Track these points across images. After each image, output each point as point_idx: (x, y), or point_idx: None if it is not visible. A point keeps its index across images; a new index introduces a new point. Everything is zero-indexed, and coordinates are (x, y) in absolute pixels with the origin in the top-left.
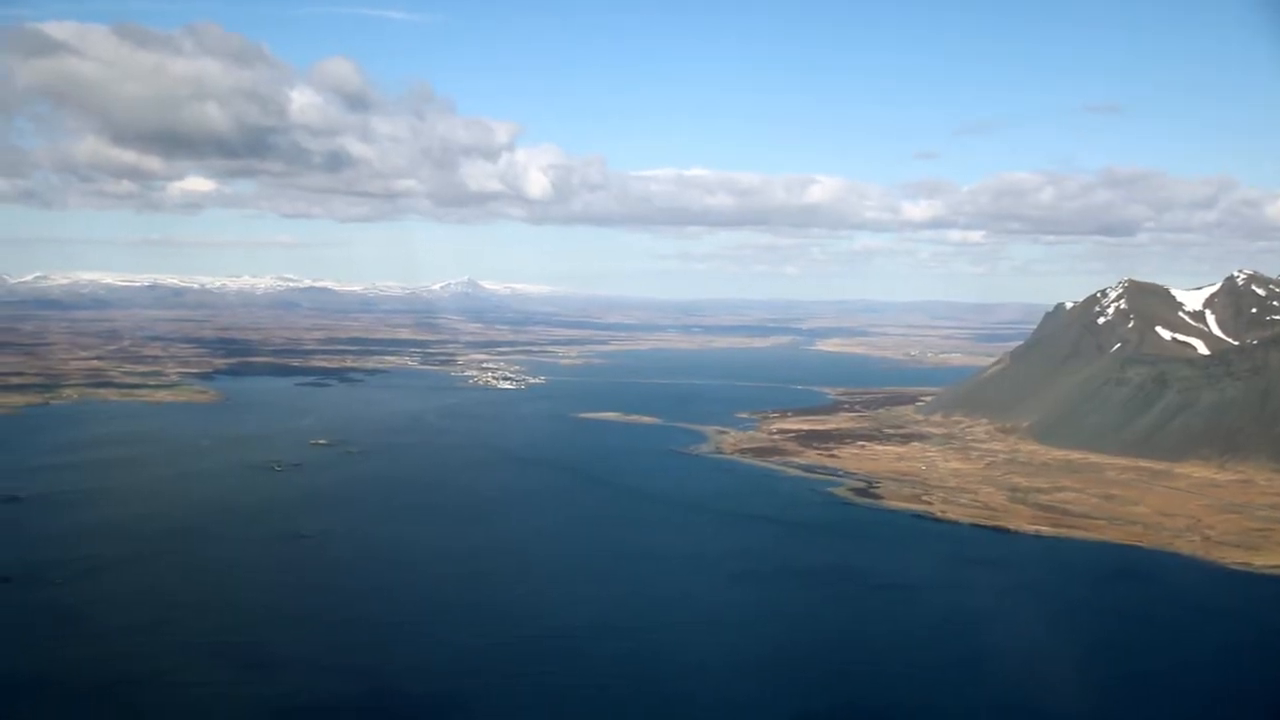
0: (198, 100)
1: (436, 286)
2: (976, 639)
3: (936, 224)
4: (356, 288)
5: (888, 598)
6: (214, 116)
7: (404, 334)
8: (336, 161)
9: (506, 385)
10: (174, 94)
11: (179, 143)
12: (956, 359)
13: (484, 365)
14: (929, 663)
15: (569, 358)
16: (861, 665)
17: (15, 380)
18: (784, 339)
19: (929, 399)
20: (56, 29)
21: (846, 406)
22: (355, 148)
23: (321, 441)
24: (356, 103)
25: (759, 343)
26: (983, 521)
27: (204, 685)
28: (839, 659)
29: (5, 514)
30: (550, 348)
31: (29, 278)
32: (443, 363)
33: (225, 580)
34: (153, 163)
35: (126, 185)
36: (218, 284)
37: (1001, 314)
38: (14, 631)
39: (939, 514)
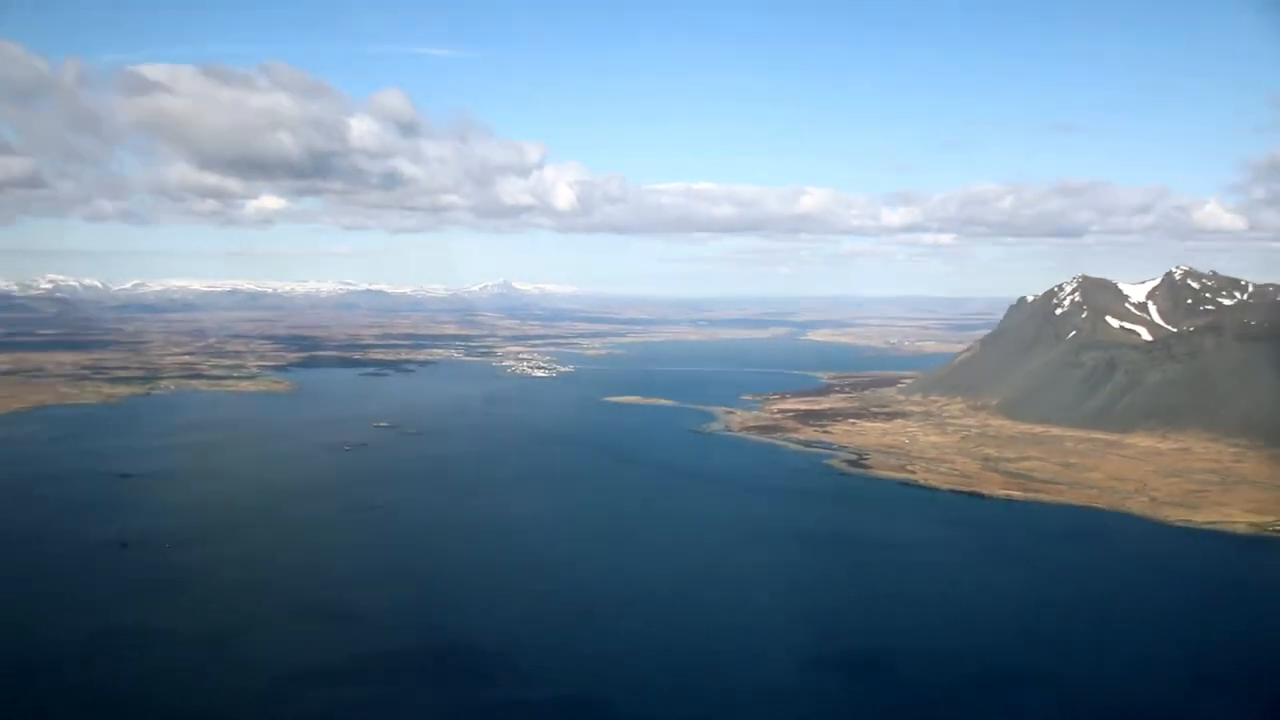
0: (271, 129)
1: (475, 288)
2: (960, 590)
3: (911, 229)
4: (406, 290)
5: (883, 555)
6: (285, 143)
7: (449, 330)
8: (390, 180)
9: (540, 373)
10: (251, 124)
11: (255, 166)
12: (930, 346)
13: (520, 356)
14: (921, 611)
15: (593, 349)
16: (863, 612)
17: (121, 373)
18: (780, 330)
19: (909, 381)
20: (151, 71)
21: (837, 389)
22: (406, 168)
23: (383, 424)
24: (408, 129)
25: (758, 334)
26: (960, 487)
27: (294, 636)
28: (844, 606)
29: (121, 489)
30: (576, 340)
31: (128, 285)
32: (483, 354)
33: (309, 545)
34: (232, 184)
35: (210, 204)
36: (287, 289)
37: (968, 307)
38: (135, 589)
39: (922, 481)
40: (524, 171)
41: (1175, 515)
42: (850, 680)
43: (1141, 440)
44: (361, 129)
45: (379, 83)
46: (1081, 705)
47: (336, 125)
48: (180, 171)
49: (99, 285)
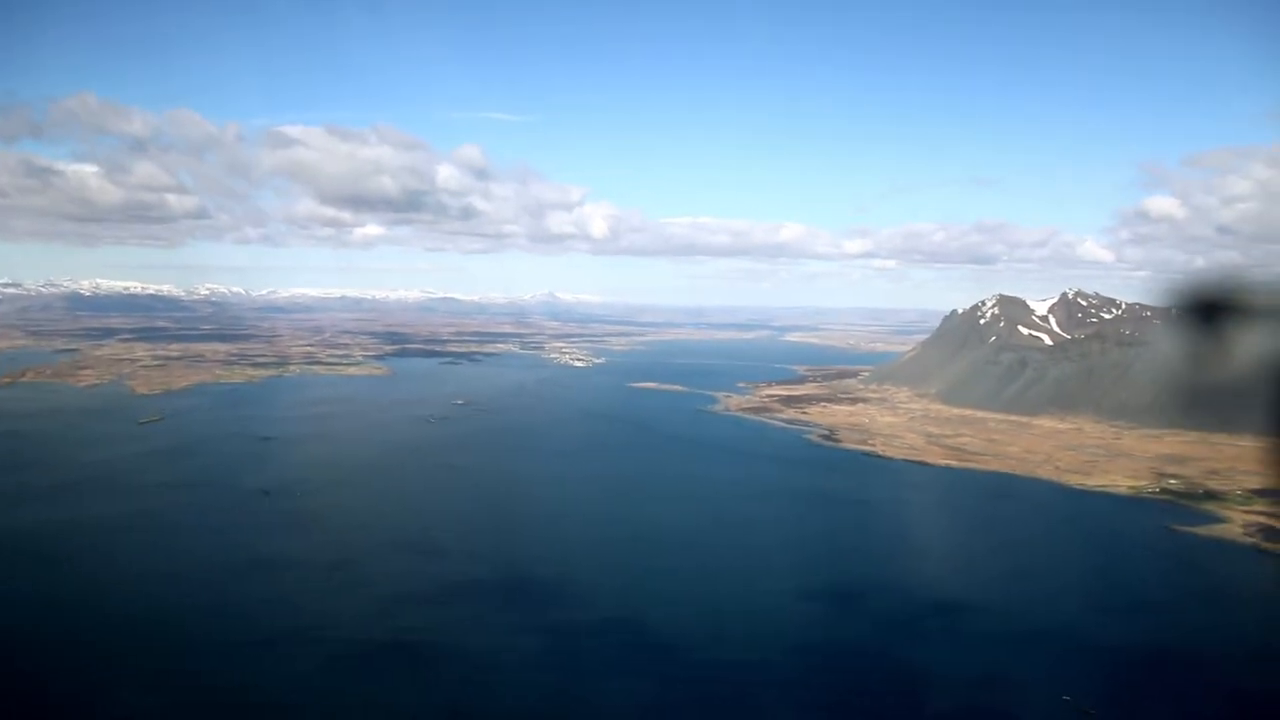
0: (377, 175)
1: (527, 297)
2: (914, 536)
3: (865, 255)
4: (474, 298)
5: (854, 509)
6: (387, 185)
7: (507, 329)
8: (466, 213)
9: (579, 364)
10: (361, 171)
11: (363, 202)
12: (880, 346)
13: (563, 350)
14: (884, 552)
15: (619, 345)
16: (840, 552)
17: (260, 359)
18: (763, 333)
19: (866, 374)
20: (290, 130)
21: (810, 379)
22: (479, 204)
23: (460, 402)
24: (480, 174)
25: (746, 335)
26: (910, 457)
27: (394, 566)
28: (825, 547)
29: (263, 449)
30: (606, 338)
31: (264, 292)
32: (534, 348)
33: (405, 494)
34: (345, 216)
35: (328, 231)
36: (382, 295)
37: (906, 316)
38: (274, 528)
39: (881, 452)
40: (568, 208)
41: (1074, 480)
42: (830, 606)
43: (1046, 422)
44: (446, 174)
45: (460, 140)
46: (1008, 628)
47: (427, 171)
48: (307, 206)
49: (243, 292)
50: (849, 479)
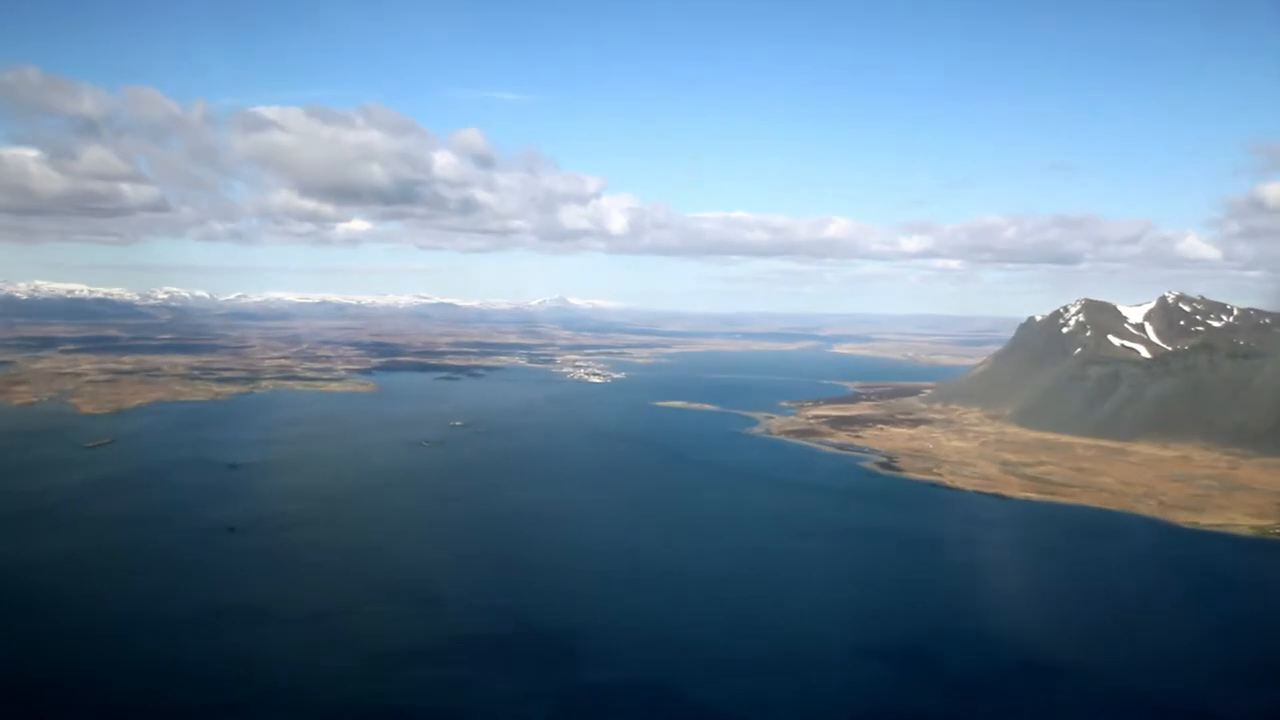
0: (365, 162)
1: (535, 302)
2: (995, 581)
3: (925, 254)
4: (473, 303)
5: (921, 550)
6: (376, 173)
7: (512, 339)
8: (466, 207)
9: (596, 379)
10: (347, 157)
11: (348, 194)
12: (944, 359)
13: (577, 364)
14: (961, 600)
15: (641, 358)
16: (908, 600)
17: (227, 374)
18: (808, 344)
19: (929, 391)
20: (266, 111)
21: (864, 397)
22: (480, 196)
23: (458, 423)
24: (483, 162)
25: (787, 346)
26: (984, 489)
27: (384, 617)
28: (889, 594)
29: (229, 477)
30: (626, 350)
31: (232, 296)
32: (544, 361)
33: (396, 531)
34: (327, 209)
35: (307, 226)
36: (369, 300)
37: (974, 325)
38: (241, 569)
39: (949, 483)
40: (583, 200)
41: (1183, 518)
42: (895, 667)
43: (1144, 448)
44: (443, 162)
45: (460, 122)
46: (1114, 697)
47: (422, 158)
48: (283, 198)
49: (207, 296)
50: (912, 514)
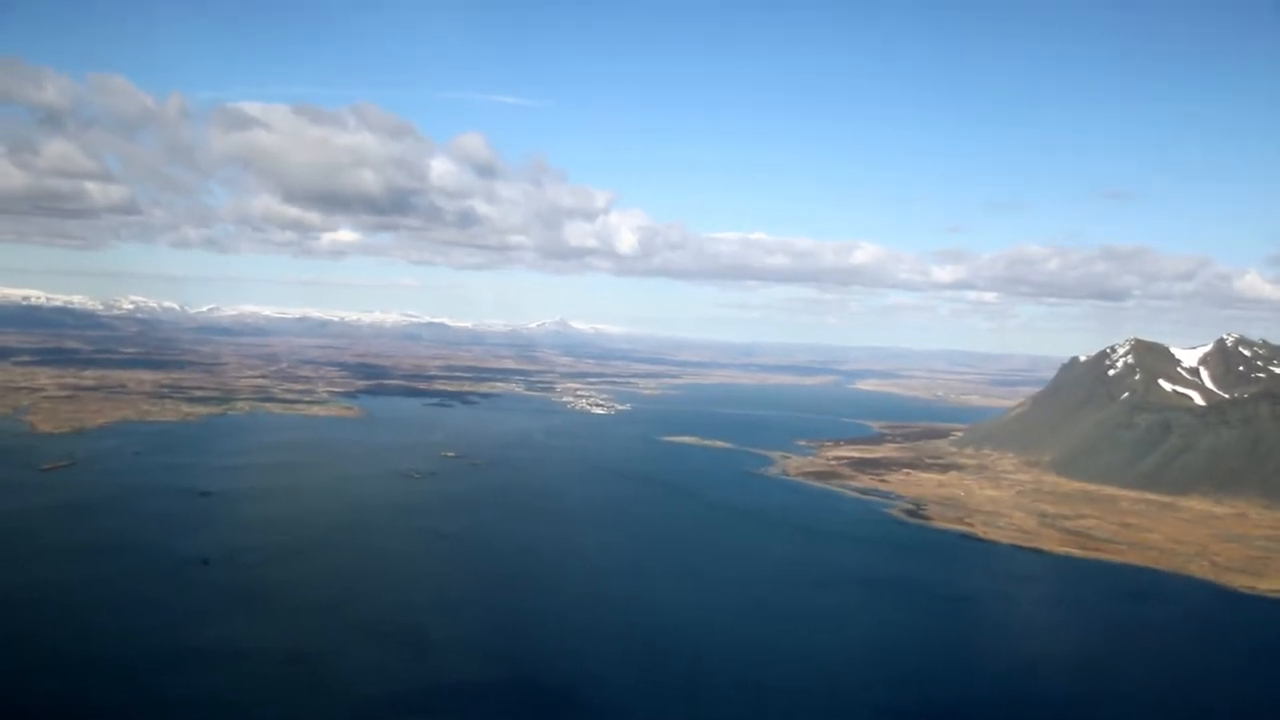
0: (355, 166)
1: (533, 325)
2: (1032, 644)
3: (958, 285)
4: (467, 324)
5: (951, 606)
6: (367, 180)
7: (508, 364)
8: (464, 219)
9: (599, 410)
10: (336, 161)
11: (336, 201)
12: (975, 400)
13: (578, 393)
14: (993, 664)
15: (648, 388)
16: (936, 664)
17: (198, 393)
18: (828, 378)
19: (960, 434)
20: (249, 108)
21: (889, 438)
22: (481, 208)
23: (450, 454)
24: (485, 171)
25: (806, 381)
26: (1020, 542)
27: (368, 661)
28: (915, 655)
29: (201, 506)
30: (632, 379)
31: (204, 309)
32: (543, 390)
33: (383, 570)
34: (312, 217)
35: (289, 235)
36: (354, 318)
37: (1009, 363)
38: (215, 607)
39: (981, 534)
40: (591, 216)
41: (1239, 581)
42: None
43: (1196, 504)
44: (441, 170)
45: (460, 126)
46: None
47: (418, 165)
48: (264, 203)
49: (177, 308)
50: (942, 567)
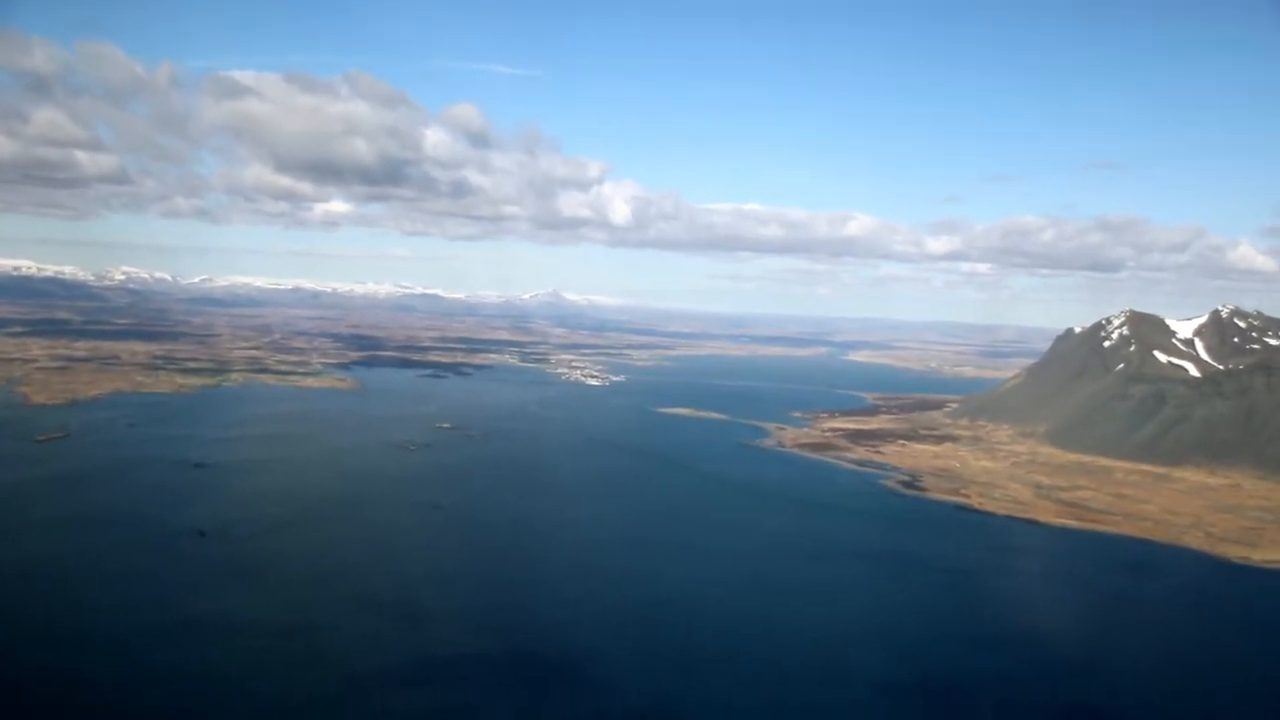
0: (348, 136)
1: (526, 296)
2: (1031, 616)
3: (952, 257)
4: (460, 295)
5: (948, 579)
6: (360, 149)
7: (502, 335)
8: (458, 190)
9: (593, 382)
10: (328, 130)
11: (329, 171)
12: (969, 371)
13: (573, 364)
14: (992, 636)
15: (642, 360)
16: (933, 636)
17: (192, 364)
18: (820, 350)
19: (954, 405)
20: (241, 76)
21: (884, 410)
22: (474, 178)
23: (445, 425)
24: (478, 141)
25: (800, 352)
26: (1015, 514)
27: (363, 633)
28: (913, 631)
29: (196, 478)
30: (625, 351)
31: (196, 279)
32: (537, 361)
33: (379, 542)
34: (305, 187)
35: (281, 206)
36: (346, 289)
37: (1001, 334)
38: (212, 578)
39: (977, 506)
40: (585, 186)
41: (1234, 552)
42: (926, 705)
43: (1191, 474)
44: (435, 139)
45: (454, 96)
46: None
47: (411, 135)
48: (256, 173)
49: (168, 278)
50: (939, 539)
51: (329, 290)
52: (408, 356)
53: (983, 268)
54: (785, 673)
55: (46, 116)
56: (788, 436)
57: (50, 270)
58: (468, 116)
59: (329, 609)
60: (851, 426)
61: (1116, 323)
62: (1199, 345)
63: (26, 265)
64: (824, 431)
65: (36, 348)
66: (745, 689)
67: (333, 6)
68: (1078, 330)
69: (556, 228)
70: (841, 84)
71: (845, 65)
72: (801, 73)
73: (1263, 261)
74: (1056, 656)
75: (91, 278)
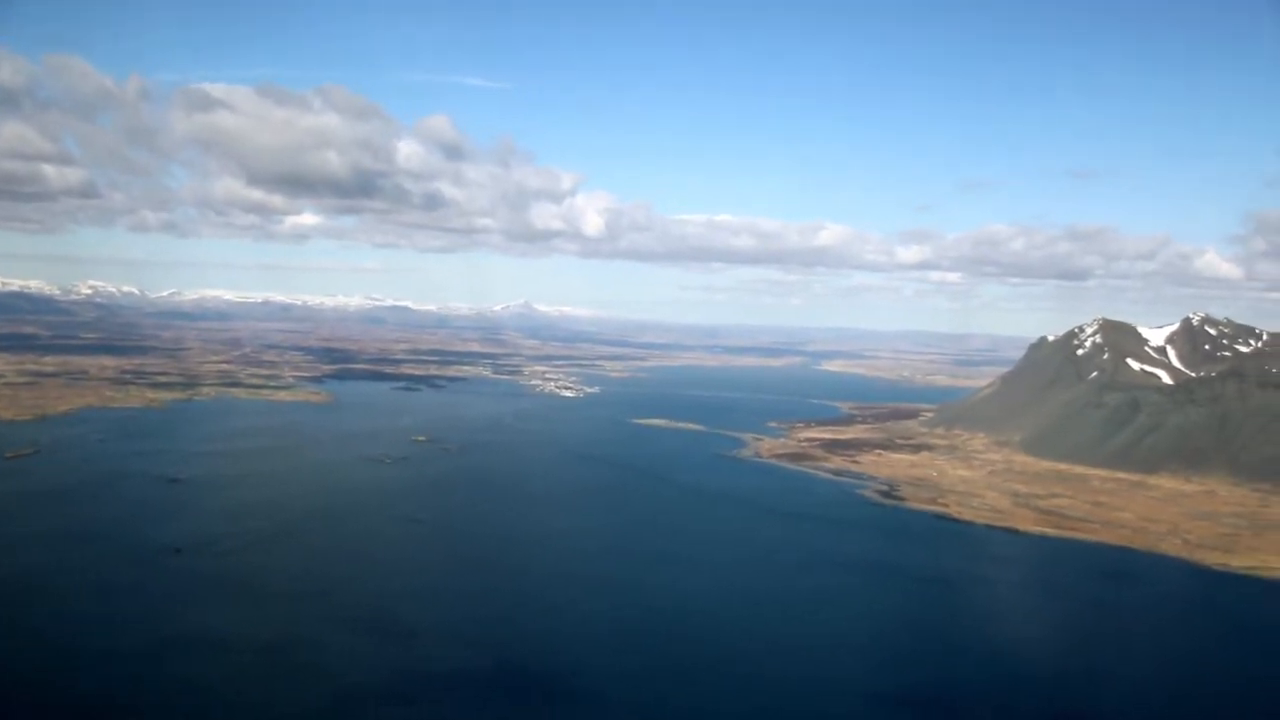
0: (320, 148)
1: (498, 308)
2: (1011, 626)
3: (923, 266)
4: (431, 307)
5: (930, 588)
6: (332, 162)
7: (474, 347)
8: (431, 202)
9: (568, 393)
10: (300, 143)
11: (300, 184)
12: (941, 380)
13: (546, 376)
14: (974, 646)
15: (616, 371)
16: (916, 646)
17: (162, 379)
18: (794, 360)
19: (929, 414)
20: (213, 89)
21: (859, 419)
22: (448, 190)
23: (421, 438)
24: (452, 153)
25: (772, 362)
26: (994, 523)
27: (345, 650)
28: (896, 642)
29: (171, 494)
30: (599, 362)
31: (165, 293)
32: (510, 373)
33: (359, 556)
34: (276, 200)
35: (251, 219)
36: (317, 302)
37: (971, 343)
38: (189, 596)
39: (955, 515)
40: (557, 198)
41: (1212, 558)
42: (908, 715)
43: (1166, 481)
44: (407, 151)
45: (427, 108)
46: None
47: (384, 147)
48: (226, 186)
49: (136, 292)
50: (918, 548)
51: (299, 303)
52: (380, 369)
53: (953, 277)
54: (770, 683)
55: (13, 130)
56: (764, 447)
57: (16, 285)
58: (441, 129)
59: (311, 624)
60: (827, 436)
61: (1089, 331)
62: (1171, 353)
63: None
64: (800, 441)
65: (3, 363)
66: (731, 699)
67: (306, 20)
68: (1051, 339)
69: (529, 239)
70: (814, 93)
71: (818, 75)
72: (773, 83)
73: (1228, 269)
74: (1040, 665)
75: (58, 292)
